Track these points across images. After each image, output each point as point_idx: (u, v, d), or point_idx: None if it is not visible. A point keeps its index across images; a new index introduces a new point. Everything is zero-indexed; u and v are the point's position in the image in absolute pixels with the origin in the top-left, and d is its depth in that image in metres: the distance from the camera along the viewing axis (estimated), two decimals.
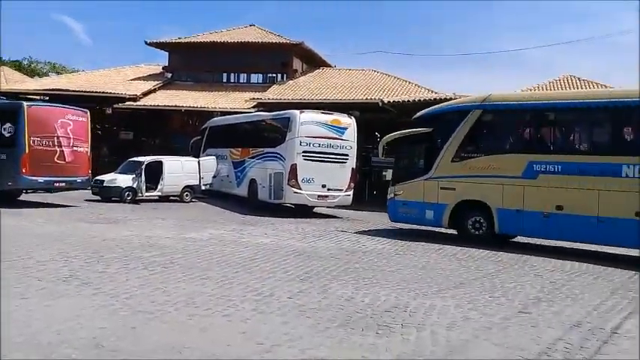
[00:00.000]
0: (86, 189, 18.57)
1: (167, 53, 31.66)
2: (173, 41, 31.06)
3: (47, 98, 28.78)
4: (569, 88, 24.34)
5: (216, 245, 10.70)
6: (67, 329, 5.15)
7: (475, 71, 69.79)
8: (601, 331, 6.03)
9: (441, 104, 14.76)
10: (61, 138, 16.52)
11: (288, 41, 29.53)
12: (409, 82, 26.88)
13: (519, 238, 13.28)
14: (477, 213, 12.73)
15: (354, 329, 5.66)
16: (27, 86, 31.32)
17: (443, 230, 13.75)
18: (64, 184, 16.97)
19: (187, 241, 11.00)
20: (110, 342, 4.88)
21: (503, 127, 13.38)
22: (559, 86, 25.08)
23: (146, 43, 31.00)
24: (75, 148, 16.98)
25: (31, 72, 51.65)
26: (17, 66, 50.21)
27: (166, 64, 31.62)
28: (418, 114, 14.43)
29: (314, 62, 31.64)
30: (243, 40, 29.74)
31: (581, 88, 23.32)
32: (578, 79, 26.03)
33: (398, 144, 14.74)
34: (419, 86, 25.98)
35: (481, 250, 11.41)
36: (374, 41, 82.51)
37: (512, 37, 76.82)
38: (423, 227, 13.93)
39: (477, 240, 12.47)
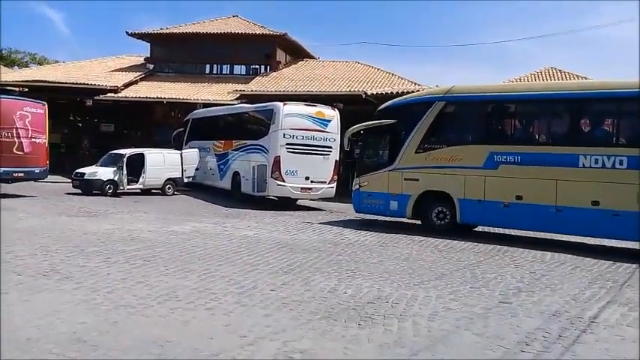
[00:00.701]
0: (44, 179, 18.66)
1: (149, 44, 31.30)
2: (155, 32, 30.70)
3: (27, 89, 28.38)
4: (551, 80, 24.56)
5: (198, 238, 10.66)
6: (47, 324, 5.11)
7: (459, 64, 70.09)
8: (579, 320, 6.13)
9: (405, 96, 14.99)
10: (19, 130, 16.68)
11: (271, 32, 29.34)
12: (393, 75, 26.89)
13: (486, 228, 13.55)
14: (440, 203, 13.00)
15: (337, 321, 5.69)
16: (6, 77, 30.79)
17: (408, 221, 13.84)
18: (22, 174, 17.16)
19: (169, 235, 10.94)
20: (91, 337, 4.85)
21: (465, 118, 13.56)
22: (540, 78, 25.30)
23: (127, 33, 30.60)
24: (33, 140, 17.10)
25: (11, 62, 50.81)
26: None
27: (148, 55, 31.27)
28: (382, 106, 14.65)
29: (298, 54, 31.51)
30: (226, 31, 29.49)
31: (563, 80, 23.58)
32: (559, 71, 26.31)
33: (363, 135, 14.84)
34: (403, 78, 25.99)
35: (462, 242, 11.52)
36: (358, 33, 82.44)
37: (494, 31, 77.22)
38: (396, 219, 14.03)
39: (440, 230, 12.74)
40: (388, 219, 14.28)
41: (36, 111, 17.43)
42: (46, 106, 17.82)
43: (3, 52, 53.19)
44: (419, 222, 13.53)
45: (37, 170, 17.57)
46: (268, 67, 29.32)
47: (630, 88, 11.19)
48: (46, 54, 56.34)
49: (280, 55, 30.12)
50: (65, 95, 28.40)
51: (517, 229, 13.00)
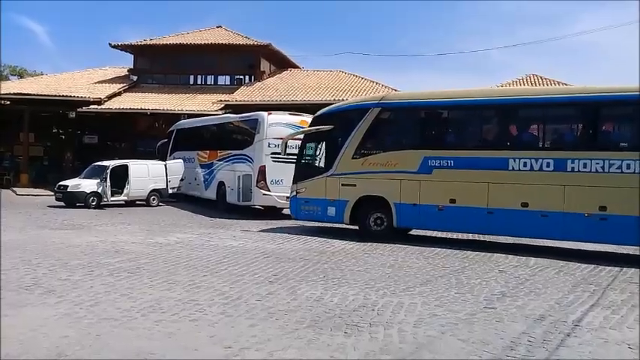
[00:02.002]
0: None
1: (132, 56, 31.18)
2: (138, 43, 30.59)
3: (8, 102, 28.11)
4: (534, 86, 24.87)
5: (183, 249, 10.60)
6: (30, 339, 5.05)
7: (442, 72, 70.67)
8: (563, 324, 6.18)
9: (341, 102, 15.18)
10: None
11: (255, 43, 29.40)
12: (377, 83, 27.09)
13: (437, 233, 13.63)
14: (377, 208, 13.11)
15: (323, 329, 5.69)
16: None
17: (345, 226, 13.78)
18: None
19: (154, 246, 10.87)
20: (74, 351, 4.80)
21: (400, 124, 13.78)
22: (523, 85, 25.60)
23: (110, 45, 30.49)
24: None
25: None
26: None
27: (132, 67, 31.15)
28: (319, 112, 14.79)
29: (282, 64, 31.60)
30: (209, 42, 29.50)
31: (544, 86, 23.89)
32: (541, 78, 26.66)
33: (300, 142, 14.86)
34: (386, 87, 26.16)
35: (447, 248, 11.57)
36: (342, 43, 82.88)
37: (476, 39, 78.07)
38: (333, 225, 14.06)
39: (377, 235, 12.85)
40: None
41: None
42: None
43: None
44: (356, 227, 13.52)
45: None
46: (252, 77, 29.37)
47: (554, 94, 11.97)
48: (27, 66, 55.79)
49: (264, 65, 30.19)
50: (48, 108, 28.19)
51: (451, 232, 13.42)
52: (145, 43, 30.55)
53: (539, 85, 25.20)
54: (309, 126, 14.66)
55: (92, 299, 6.55)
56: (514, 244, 12.42)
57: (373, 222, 13.12)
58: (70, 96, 26.78)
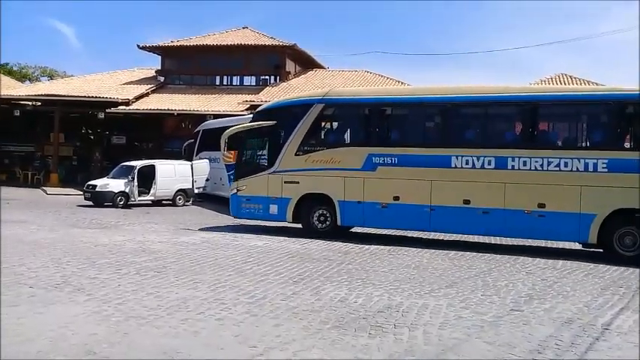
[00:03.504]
0: None
1: (160, 57, 31.58)
2: (166, 45, 30.97)
3: (39, 104, 28.73)
4: (562, 85, 24.44)
5: (208, 249, 10.69)
6: (59, 336, 5.14)
7: (472, 70, 69.88)
8: (592, 327, 6.07)
9: (284, 98, 15.02)
10: None
11: (281, 43, 29.51)
12: (402, 83, 26.94)
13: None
14: (320, 206, 13.07)
15: (347, 330, 5.68)
16: (19, 92, 31.21)
17: (289, 225, 13.67)
18: None
19: (180, 246, 10.99)
20: (102, 348, 4.87)
21: (344, 120, 13.87)
22: (552, 84, 25.17)
23: (138, 46, 30.90)
24: None
25: (22, 77, 51.45)
26: (8, 71, 49.99)
27: (159, 68, 31.55)
28: (260, 107, 14.73)
29: (307, 64, 31.66)
30: (235, 43, 29.71)
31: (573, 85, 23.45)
32: (571, 77, 26.16)
33: (241, 138, 14.58)
34: (411, 86, 26.01)
35: (474, 250, 11.45)
36: (368, 42, 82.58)
37: (503, 37, 76.99)
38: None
39: (321, 233, 12.84)
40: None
41: None
42: None
43: (14, 67, 53.94)
44: (299, 226, 13.47)
45: None
46: (278, 78, 29.47)
47: (493, 93, 12.18)
48: (57, 67, 56.89)
49: (290, 66, 30.27)
50: (77, 108, 28.74)
51: (394, 229, 13.41)
52: (172, 44, 30.91)
53: (567, 84, 24.73)
54: (251, 121, 14.41)
55: (120, 297, 6.65)
56: (542, 247, 12.24)
57: (317, 219, 13.10)
58: (99, 97, 27.26)
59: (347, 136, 13.47)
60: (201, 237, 12.30)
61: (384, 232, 13.57)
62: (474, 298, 7.27)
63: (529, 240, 12.43)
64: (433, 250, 11.32)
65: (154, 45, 31.21)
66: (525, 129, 11.94)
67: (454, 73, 68.40)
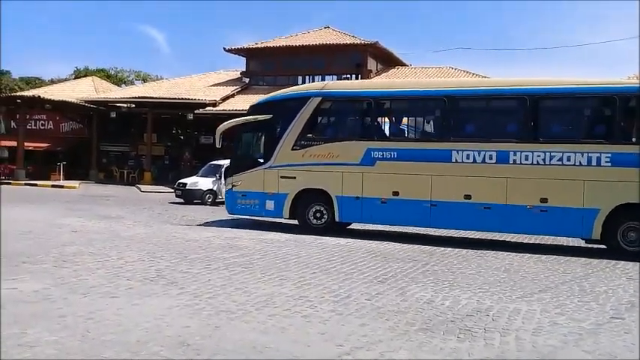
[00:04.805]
0: None
1: (244, 59, 32.45)
2: (250, 47, 31.82)
3: (133, 105, 30.34)
4: None
5: (293, 246, 10.83)
6: (154, 327, 5.37)
7: (562, 65, 66.69)
8: None
9: (280, 91, 14.56)
10: None
11: (362, 42, 29.49)
12: (488, 79, 26.07)
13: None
14: (318, 201, 12.70)
15: (435, 333, 5.54)
16: (115, 94, 33.13)
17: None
18: None
19: (266, 242, 11.20)
20: (195, 341, 5.03)
21: (342, 114, 13.49)
22: None
23: (224, 49, 31.95)
24: None
25: (118, 81, 54.55)
26: (105, 75, 53.19)
27: (244, 70, 32.42)
28: (256, 101, 14.36)
29: (389, 62, 31.44)
30: (317, 43, 29.98)
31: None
32: None
33: (236, 132, 14.31)
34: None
35: (568, 254, 10.89)
36: (451, 38, 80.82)
37: (594, 29, 72.76)
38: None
39: (318, 230, 12.52)
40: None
41: None
42: None
43: (111, 71, 57.27)
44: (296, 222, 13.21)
45: None
46: (360, 76, 29.42)
47: (497, 86, 12.18)
48: (149, 71, 59.89)
49: (371, 64, 30.17)
50: (168, 110, 30.09)
51: (394, 226, 13.13)
52: (256, 46, 31.70)
53: None
54: (247, 115, 14.15)
55: (210, 292, 6.85)
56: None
57: (313, 215, 12.84)
58: (188, 99, 28.42)
59: (345, 130, 13.20)
60: (287, 235, 12.47)
61: (469, 235, 13.16)
62: (570, 304, 6.89)
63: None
64: (523, 254, 10.87)
65: (239, 47, 32.14)
66: (527, 122, 11.63)
67: (541, 68, 65.57)
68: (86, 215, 15.20)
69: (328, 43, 29.99)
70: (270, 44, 31.60)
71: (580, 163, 10.78)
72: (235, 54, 32.69)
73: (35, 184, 28.15)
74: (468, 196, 11.44)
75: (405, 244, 11.55)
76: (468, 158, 11.48)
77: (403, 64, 32.36)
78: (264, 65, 31.92)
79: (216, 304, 6.28)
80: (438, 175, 11.71)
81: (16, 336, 4.93)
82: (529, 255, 10.67)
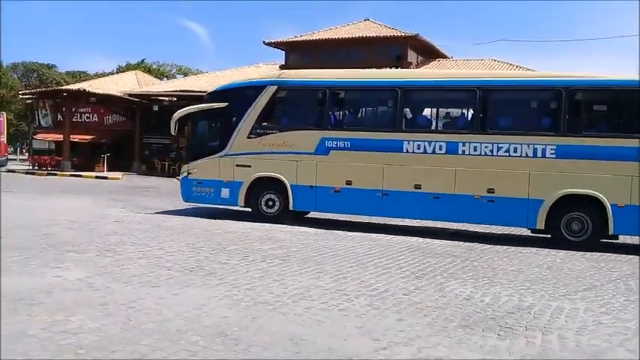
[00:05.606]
0: (4, 165, 27.77)
1: (284, 52, 32.54)
2: (290, 40, 31.89)
3: (175, 99, 30.83)
4: None
5: (330, 239, 10.82)
6: (194, 317, 5.44)
7: (611, 56, 64.51)
8: None
9: (237, 80, 14.55)
10: None
11: (402, 34, 29.20)
12: (532, 71, 25.46)
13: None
14: (273, 190, 12.72)
15: (474, 330, 5.45)
16: (159, 88, 33.75)
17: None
18: None
19: (302, 235, 11.23)
20: (233, 331, 5.07)
21: (297, 103, 13.65)
22: None
23: (264, 43, 32.09)
24: None
25: (160, 74, 55.58)
26: (147, 69, 54.23)
27: (283, 63, 32.51)
28: (213, 89, 14.34)
29: (430, 54, 31.05)
30: (357, 36, 29.81)
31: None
32: None
33: (192, 120, 14.22)
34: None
35: (614, 252, 10.55)
36: (495, 30, 79.18)
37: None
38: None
39: (270, 218, 12.60)
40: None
41: None
42: (5, 115, 27.85)
43: (153, 65, 58.38)
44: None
45: None
46: (400, 69, 29.10)
47: (446, 78, 12.65)
48: (190, 65, 60.82)
49: (412, 56, 29.85)
50: None
51: (347, 214, 13.36)
52: (295, 39, 31.75)
53: None
54: (204, 102, 14.09)
55: (248, 283, 6.91)
56: None
57: (264, 204, 12.85)
58: None
59: (300, 120, 13.27)
60: (324, 227, 12.47)
61: (509, 231, 12.90)
62: (615, 303, 6.67)
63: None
64: (567, 251, 10.58)
65: (279, 41, 32.25)
66: (476, 114, 11.90)
67: (585, 60, 63.60)
68: (128, 206, 15.54)
69: (368, 35, 29.78)
70: (310, 37, 31.60)
71: (526, 154, 11.05)
72: (275, 47, 32.82)
73: (80, 175, 28.96)
74: (418, 186, 11.69)
75: (443, 240, 11.40)
76: (418, 149, 11.72)
77: (444, 57, 31.90)
78: (304, 58, 31.91)
79: (254, 296, 6.33)
80: (390, 165, 11.94)
81: (60, 323, 5.07)
82: (572, 252, 10.39)
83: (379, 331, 5.28)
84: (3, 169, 28.51)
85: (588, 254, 10.19)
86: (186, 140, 15.04)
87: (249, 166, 13.05)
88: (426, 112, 12.76)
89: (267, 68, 33.66)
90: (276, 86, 13.11)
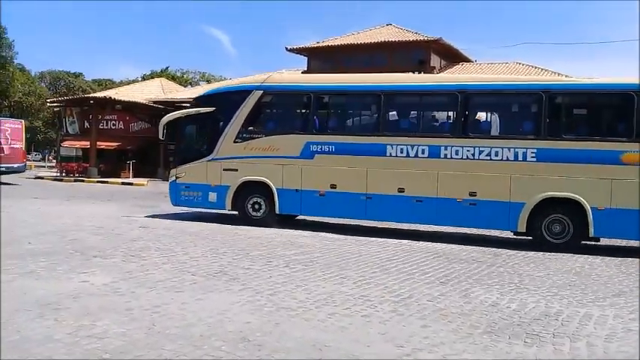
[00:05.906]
0: (23, 172, 26.95)
1: (306, 58, 32.64)
2: (312, 46, 31.97)
3: None
4: None
5: (353, 245, 10.78)
6: (217, 322, 5.45)
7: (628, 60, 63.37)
8: None
9: (223, 84, 14.80)
10: (1, 139, 24.74)
11: (425, 38, 29.07)
12: (558, 74, 25.13)
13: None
14: (259, 194, 13.04)
15: (500, 336, 5.36)
16: (182, 95, 34.12)
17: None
18: (4, 168, 24.55)
19: (325, 240, 11.21)
20: (256, 337, 5.07)
21: (283, 108, 13.88)
22: None
23: (286, 49, 32.25)
24: (12, 145, 25.10)
25: (184, 81, 56.20)
26: (171, 76, 54.89)
27: (305, 69, 32.59)
28: (200, 93, 14.38)
29: (453, 58, 30.85)
30: (379, 40, 29.76)
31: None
32: None
33: (179, 125, 14.21)
34: (569, 77, 24.15)
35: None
36: (520, 33, 78.33)
37: None
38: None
39: (256, 222, 12.70)
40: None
41: (14, 126, 25.83)
42: (23, 123, 27.00)
43: (177, 72, 59.08)
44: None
45: (15, 166, 25.30)
46: (423, 73, 28.96)
47: (429, 82, 12.91)
48: (213, 72, 61.39)
49: (435, 60, 29.69)
50: None
51: (332, 218, 13.43)
52: (318, 45, 31.82)
53: None
54: (191, 107, 14.18)
55: (271, 289, 6.91)
56: None
57: (251, 207, 12.95)
58: None
59: (285, 124, 13.39)
60: (346, 233, 12.44)
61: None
62: None
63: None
64: (595, 256, 10.37)
65: (301, 47, 32.37)
66: (458, 118, 11.92)
67: (612, 63, 62.50)
68: (153, 211, 15.71)
69: (390, 40, 29.72)
70: (332, 43, 31.64)
71: (507, 158, 11.14)
72: (297, 53, 32.94)
73: (106, 182, 29.42)
74: (401, 190, 11.81)
75: (468, 246, 11.27)
76: (401, 152, 11.84)
77: (468, 60, 31.65)
78: (326, 64, 31.95)
79: (277, 301, 6.32)
80: (374, 168, 12.05)
81: (86, 327, 5.13)
82: (601, 258, 10.19)
83: (403, 338, 5.22)
84: (27, 174, 29.23)
85: (617, 260, 9.97)
86: (174, 145, 15.24)
87: (236, 170, 13.23)
88: (409, 116, 12.89)
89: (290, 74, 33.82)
90: (262, 91, 13.29)
